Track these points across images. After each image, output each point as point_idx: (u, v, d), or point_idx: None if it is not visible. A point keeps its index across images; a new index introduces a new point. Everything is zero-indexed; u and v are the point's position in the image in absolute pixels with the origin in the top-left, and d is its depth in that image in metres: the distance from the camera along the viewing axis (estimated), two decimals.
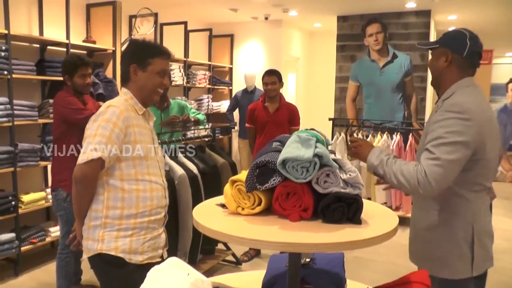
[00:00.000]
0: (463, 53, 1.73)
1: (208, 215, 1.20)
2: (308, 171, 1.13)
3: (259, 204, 1.17)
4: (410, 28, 5.83)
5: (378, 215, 1.27)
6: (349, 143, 1.77)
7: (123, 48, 3.78)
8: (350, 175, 1.16)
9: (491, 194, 1.94)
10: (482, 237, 1.73)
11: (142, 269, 1.75)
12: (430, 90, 6.63)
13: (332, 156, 1.17)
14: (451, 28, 7.15)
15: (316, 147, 1.14)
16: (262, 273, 1.48)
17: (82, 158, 1.71)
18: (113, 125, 1.74)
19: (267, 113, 4.03)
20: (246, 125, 4.22)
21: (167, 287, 1.25)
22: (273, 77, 3.96)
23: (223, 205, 1.25)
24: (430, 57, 1.88)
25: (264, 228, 1.10)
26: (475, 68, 1.78)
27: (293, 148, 1.14)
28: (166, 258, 1.88)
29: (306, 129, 1.27)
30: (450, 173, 1.59)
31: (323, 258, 1.48)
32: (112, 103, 1.81)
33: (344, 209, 1.13)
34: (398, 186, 1.62)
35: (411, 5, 5.47)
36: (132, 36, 5.11)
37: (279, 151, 1.20)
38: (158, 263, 1.80)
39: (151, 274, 1.30)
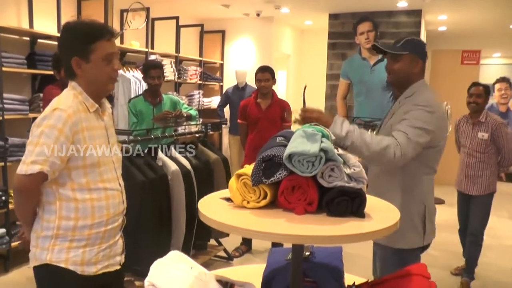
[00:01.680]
0: (425, 60, 2.07)
1: (214, 209, 1.21)
2: (313, 165, 1.15)
3: (265, 197, 1.19)
4: (401, 27, 5.89)
5: (379, 209, 1.29)
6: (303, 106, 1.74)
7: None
8: (354, 169, 1.18)
9: None
10: (431, 214, 2.06)
11: (95, 280, 1.68)
12: None
13: (336, 151, 1.19)
14: (441, 28, 7.20)
15: (321, 142, 1.16)
16: (262, 267, 1.50)
17: (20, 169, 1.54)
18: (58, 133, 1.53)
19: (259, 109, 4.04)
20: (238, 121, 4.22)
21: (171, 280, 1.26)
22: (266, 73, 3.97)
23: (227, 199, 1.26)
24: (390, 61, 2.08)
25: (271, 221, 1.12)
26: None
27: (298, 143, 1.16)
28: (124, 264, 1.82)
29: (310, 124, 1.29)
30: (414, 152, 1.87)
31: (322, 252, 1.50)
32: (59, 104, 1.59)
33: (348, 202, 1.15)
34: (369, 156, 1.78)
35: (402, 4, 5.53)
36: (125, 30, 5.07)
37: (284, 145, 1.21)
38: (116, 271, 1.76)
39: (155, 267, 1.31)
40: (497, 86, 5.80)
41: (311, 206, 1.16)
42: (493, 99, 6.49)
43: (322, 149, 1.14)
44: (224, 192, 1.33)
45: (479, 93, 3.64)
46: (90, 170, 1.64)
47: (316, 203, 1.17)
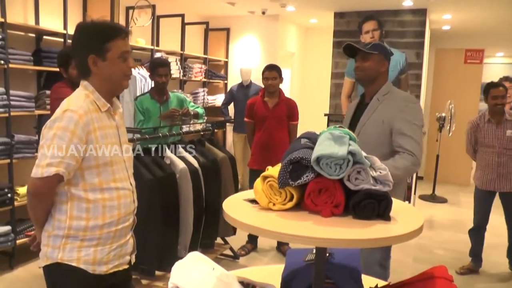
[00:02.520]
0: (389, 63, 2.38)
1: (240, 210, 1.21)
2: (341, 168, 1.14)
3: (291, 199, 1.18)
4: (406, 26, 5.88)
5: (402, 211, 1.29)
6: None
7: None
8: (380, 172, 1.17)
9: None
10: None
11: (106, 279, 1.69)
12: (424, 88, 6.70)
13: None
14: (445, 27, 7.19)
15: (349, 144, 1.15)
16: (278, 268, 1.51)
17: (35, 172, 1.55)
18: (71, 134, 1.54)
19: (267, 108, 4.04)
20: (245, 119, 4.22)
21: (194, 281, 1.25)
22: (273, 72, 3.96)
23: (252, 201, 1.26)
24: (360, 60, 2.32)
25: (299, 223, 1.12)
26: None
27: (326, 146, 1.15)
28: (133, 263, 1.83)
29: (335, 127, 1.28)
30: (422, 147, 2.19)
31: (340, 253, 1.50)
32: (70, 106, 1.59)
33: (374, 205, 1.15)
34: (396, 180, 1.99)
35: (407, 3, 5.52)
36: (131, 28, 5.05)
37: (310, 147, 1.21)
38: (126, 270, 1.77)
39: (176, 268, 1.30)
40: None
41: (337, 208, 1.16)
42: None
43: (350, 152, 1.14)
44: (247, 194, 1.32)
45: (503, 95, 3.65)
46: (103, 170, 1.64)
47: (342, 205, 1.17)
